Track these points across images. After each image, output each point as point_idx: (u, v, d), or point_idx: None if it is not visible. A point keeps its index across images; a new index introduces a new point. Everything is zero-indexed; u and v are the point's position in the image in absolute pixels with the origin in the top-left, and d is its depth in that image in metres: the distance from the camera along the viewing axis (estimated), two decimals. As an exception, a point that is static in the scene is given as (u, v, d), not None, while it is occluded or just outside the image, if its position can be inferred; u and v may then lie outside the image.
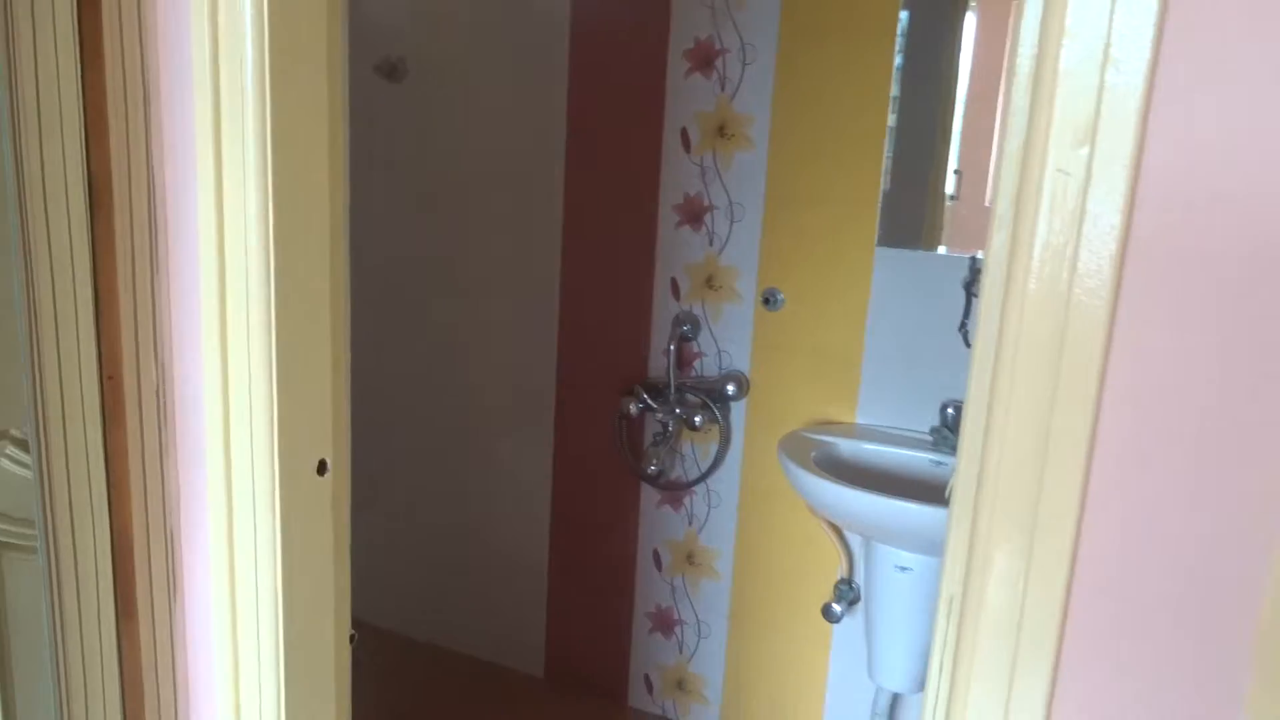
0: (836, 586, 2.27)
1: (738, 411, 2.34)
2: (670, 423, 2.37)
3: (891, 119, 2.08)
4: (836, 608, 2.24)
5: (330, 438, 1.07)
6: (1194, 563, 0.67)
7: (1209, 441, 0.65)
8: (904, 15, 2.03)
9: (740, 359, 2.31)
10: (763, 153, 2.19)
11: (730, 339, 2.31)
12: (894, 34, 2.03)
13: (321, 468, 1.08)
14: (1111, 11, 0.62)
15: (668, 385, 2.33)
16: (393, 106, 2.57)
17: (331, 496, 1.10)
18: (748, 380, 2.31)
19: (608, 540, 2.56)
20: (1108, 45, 0.62)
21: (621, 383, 2.45)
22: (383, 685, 2.64)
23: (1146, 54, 0.61)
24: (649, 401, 2.35)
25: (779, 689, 2.43)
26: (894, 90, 2.06)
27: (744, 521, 2.39)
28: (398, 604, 2.87)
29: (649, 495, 2.50)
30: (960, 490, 0.79)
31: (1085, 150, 0.64)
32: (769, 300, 2.25)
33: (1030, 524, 0.71)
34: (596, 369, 2.48)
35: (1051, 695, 0.74)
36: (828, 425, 2.22)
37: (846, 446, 2.12)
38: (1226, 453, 0.65)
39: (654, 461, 2.39)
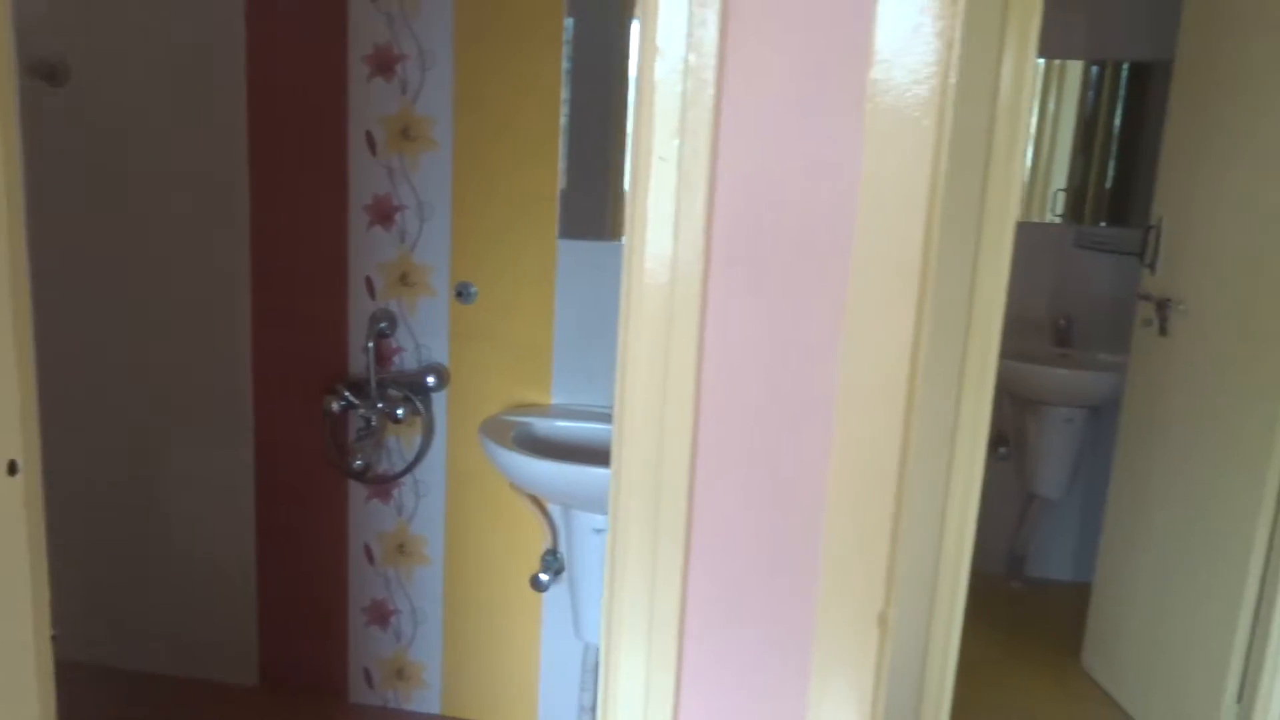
0: (543, 557, 2.43)
1: (439, 402, 2.44)
2: (373, 417, 2.43)
3: (565, 120, 2.25)
4: (543, 577, 2.39)
5: (20, 437, 1.08)
6: (773, 442, 0.87)
7: (770, 350, 0.85)
8: (569, 22, 2.22)
9: (439, 351, 2.42)
10: (447, 153, 2.31)
11: (427, 333, 2.41)
12: (560, 40, 2.21)
13: (12, 468, 1.09)
14: (688, 35, 0.80)
15: (368, 381, 2.39)
16: (56, 110, 2.45)
17: (24, 497, 1.11)
18: (447, 371, 2.42)
19: (317, 539, 2.58)
20: (686, 61, 0.80)
21: (323, 381, 2.48)
22: None
23: (713, 64, 0.79)
24: (350, 398, 2.40)
25: (496, 662, 2.56)
26: (566, 93, 2.24)
27: (452, 507, 2.50)
28: (86, 631, 2.73)
29: (357, 490, 2.55)
30: (615, 416, 0.95)
31: (677, 142, 0.82)
32: (462, 294, 2.37)
33: (658, 439, 0.88)
34: (296, 369, 2.49)
35: (687, 563, 0.92)
36: (525, 408, 2.37)
37: (542, 425, 2.28)
38: (781, 361, 0.85)
39: (359, 457, 2.45)
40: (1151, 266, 2.78)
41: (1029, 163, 3.71)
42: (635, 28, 2.27)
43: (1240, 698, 2.44)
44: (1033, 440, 3.49)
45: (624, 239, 0.88)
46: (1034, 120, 3.70)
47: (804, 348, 0.84)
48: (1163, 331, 2.71)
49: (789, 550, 0.88)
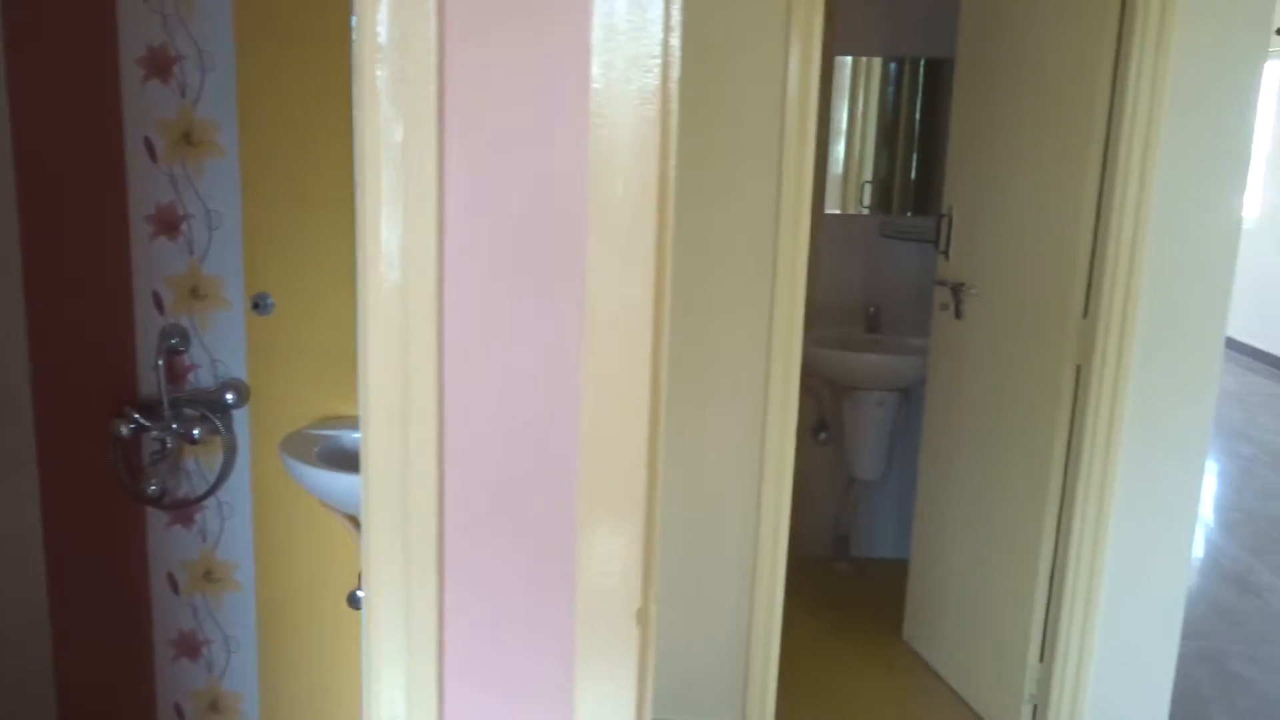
0: (360, 574, 2.35)
1: (241, 419, 2.33)
2: (168, 439, 2.30)
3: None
4: (361, 594, 2.31)
5: None
6: (521, 441, 0.86)
7: (513, 348, 0.84)
8: (355, 19, 2.14)
9: (237, 366, 2.31)
10: (234, 158, 2.21)
11: (223, 347, 2.30)
12: (348, 37, 2.13)
13: None
14: (406, 28, 0.77)
15: (160, 401, 2.26)
16: None
17: None
18: (247, 387, 2.31)
19: (114, 573, 2.43)
20: (406, 55, 0.77)
21: (111, 405, 2.33)
22: None
23: (434, 62, 0.77)
24: (140, 420, 2.27)
25: (317, 684, 2.47)
26: (358, 95, 2.17)
27: (261, 528, 2.39)
28: None
29: (156, 518, 2.41)
30: (360, 424, 0.92)
31: (401, 138, 0.79)
32: (259, 305, 2.27)
33: (403, 444, 0.86)
34: (80, 395, 2.33)
35: (442, 573, 0.89)
36: (333, 420, 2.29)
37: (350, 437, 2.21)
38: (525, 359, 0.84)
39: (154, 481, 2.31)
40: (946, 253, 2.92)
41: (841, 157, 3.83)
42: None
43: (1042, 658, 2.58)
44: (849, 425, 3.61)
45: (356, 238, 0.85)
46: (844, 116, 3.82)
47: (546, 344, 0.83)
48: (958, 315, 2.84)
49: (545, 551, 0.86)
